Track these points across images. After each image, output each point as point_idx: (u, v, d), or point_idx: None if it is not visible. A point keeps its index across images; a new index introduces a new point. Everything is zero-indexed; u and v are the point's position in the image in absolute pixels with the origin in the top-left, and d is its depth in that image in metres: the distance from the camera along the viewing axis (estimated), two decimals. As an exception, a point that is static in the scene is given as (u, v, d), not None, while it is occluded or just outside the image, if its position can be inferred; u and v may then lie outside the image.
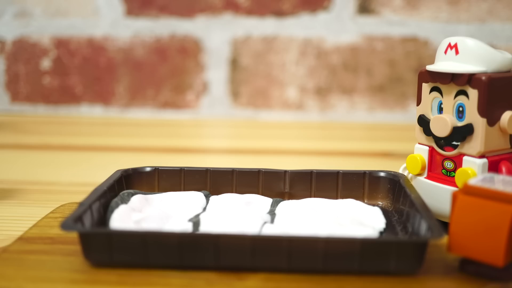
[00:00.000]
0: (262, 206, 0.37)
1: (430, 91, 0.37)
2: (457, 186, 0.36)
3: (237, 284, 0.29)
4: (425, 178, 0.38)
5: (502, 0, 0.77)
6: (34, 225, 0.36)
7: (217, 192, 0.40)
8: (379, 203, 0.39)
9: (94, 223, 0.33)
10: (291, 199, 0.39)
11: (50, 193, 0.46)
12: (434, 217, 0.31)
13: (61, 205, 0.40)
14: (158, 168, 0.41)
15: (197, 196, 0.38)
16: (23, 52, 0.82)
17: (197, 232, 0.31)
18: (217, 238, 0.29)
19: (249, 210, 0.36)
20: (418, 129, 0.38)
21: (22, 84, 0.83)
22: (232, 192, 0.40)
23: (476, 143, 0.35)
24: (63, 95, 0.82)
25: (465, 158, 0.36)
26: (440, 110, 0.37)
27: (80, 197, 0.35)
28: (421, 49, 0.79)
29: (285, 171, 0.40)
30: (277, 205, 0.37)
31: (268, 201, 0.38)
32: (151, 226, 0.33)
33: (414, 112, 0.38)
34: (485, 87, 0.34)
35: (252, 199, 0.38)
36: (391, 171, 0.39)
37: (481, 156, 0.35)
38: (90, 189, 0.36)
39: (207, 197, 0.39)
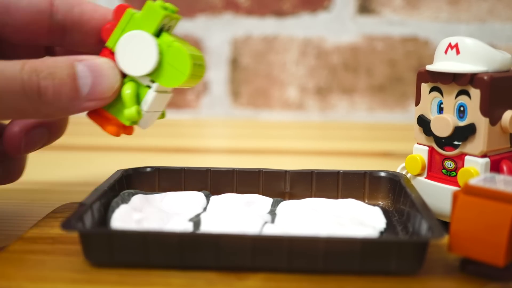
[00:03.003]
0: (262, 206, 0.37)
1: (430, 91, 0.37)
2: (458, 186, 0.36)
3: (238, 284, 0.29)
4: (425, 178, 0.38)
5: (503, 0, 0.77)
6: (34, 225, 0.36)
7: (218, 192, 0.40)
8: (380, 203, 0.39)
9: (94, 223, 0.33)
10: (292, 199, 0.39)
11: (50, 193, 0.46)
12: (435, 217, 0.31)
13: (61, 205, 0.40)
14: (158, 168, 0.40)
15: (197, 196, 0.38)
16: (23, 52, 0.82)
17: (198, 232, 0.31)
18: (217, 238, 0.29)
19: (250, 210, 0.36)
20: (417, 129, 0.38)
21: (22, 84, 0.82)
22: (232, 192, 0.40)
23: (478, 142, 0.35)
24: (63, 95, 0.82)
25: (467, 157, 0.36)
26: (440, 110, 0.37)
27: (80, 197, 0.35)
28: (421, 49, 0.79)
29: (286, 171, 0.40)
30: (277, 205, 0.37)
31: (269, 201, 0.38)
32: (151, 226, 0.33)
33: (414, 112, 0.38)
34: (487, 87, 0.34)
35: (252, 199, 0.38)
36: (391, 171, 0.39)
37: (483, 155, 0.35)
38: (91, 189, 0.36)
39: (208, 197, 0.39)
